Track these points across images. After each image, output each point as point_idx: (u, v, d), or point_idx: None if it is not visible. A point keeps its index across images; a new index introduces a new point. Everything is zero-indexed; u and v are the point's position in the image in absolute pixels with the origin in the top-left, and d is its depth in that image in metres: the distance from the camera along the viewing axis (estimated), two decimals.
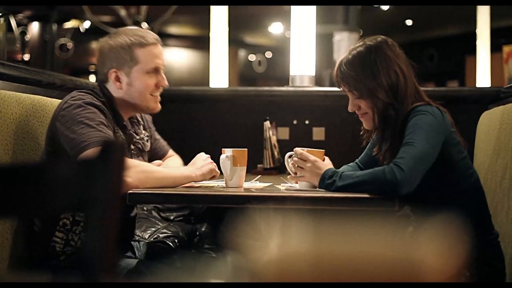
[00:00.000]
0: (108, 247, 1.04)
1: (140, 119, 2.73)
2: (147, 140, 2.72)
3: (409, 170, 2.12)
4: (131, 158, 2.55)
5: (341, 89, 2.40)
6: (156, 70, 2.50)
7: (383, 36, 2.39)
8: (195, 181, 2.36)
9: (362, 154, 2.70)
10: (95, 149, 2.20)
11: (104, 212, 1.05)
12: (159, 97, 2.55)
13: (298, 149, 2.29)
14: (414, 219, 2.41)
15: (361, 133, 2.52)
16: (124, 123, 2.53)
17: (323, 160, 2.30)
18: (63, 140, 2.28)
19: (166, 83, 2.54)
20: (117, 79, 2.49)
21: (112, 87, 2.50)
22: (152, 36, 2.52)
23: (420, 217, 2.37)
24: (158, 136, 2.89)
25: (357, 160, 2.70)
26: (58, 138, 2.31)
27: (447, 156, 2.29)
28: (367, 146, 2.66)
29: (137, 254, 2.61)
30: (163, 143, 2.91)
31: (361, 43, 2.37)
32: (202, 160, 2.39)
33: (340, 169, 2.43)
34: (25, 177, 1.18)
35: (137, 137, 2.63)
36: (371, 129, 2.45)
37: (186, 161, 2.60)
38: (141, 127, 2.71)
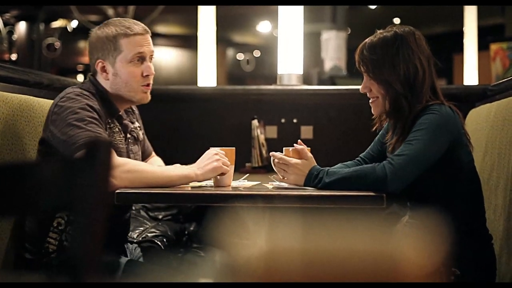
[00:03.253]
0: (93, 247, 1.04)
1: (134, 108, 2.70)
2: (139, 130, 2.67)
3: (401, 168, 2.13)
4: (128, 147, 2.52)
5: (359, 69, 2.38)
6: (141, 59, 2.45)
7: (412, 27, 2.36)
8: (196, 181, 2.27)
9: (368, 149, 2.66)
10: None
11: (89, 212, 1.05)
12: (148, 87, 2.49)
13: (276, 154, 2.28)
14: (410, 214, 2.41)
15: (372, 117, 2.49)
16: (120, 113, 2.50)
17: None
18: (56, 143, 2.26)
19: (152, 71, 2.47)
20: (103, 69, 2.45)
21: (101, 79, 2.47)
22: (139, 26, 2.47)
23: (415, 214, 2.37)
24: (144, 136, 2.85)
25: (361, 155, 2.64)
26: (51, 141, 2.29)
27: (454, 157, 2.28)
28: (374, 140, 2.63)
29: (128, 255, 2.60)
30: (148, 143, 2.87)
31: (389, 29, 2.35)
32: (207, 159, 2.29)
33: (334, 167, 2.42)
34: (11, 177, 1.17)
35: (132, 126, 2.59)
36: (377, 115, 2.43)
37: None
38: (135, 117, 2.68)
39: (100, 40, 2.45)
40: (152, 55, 2.50)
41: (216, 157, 2.28)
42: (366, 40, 2.36)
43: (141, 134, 2.66)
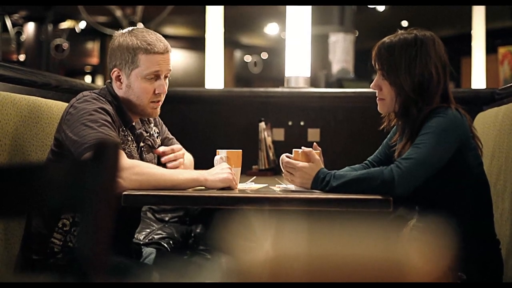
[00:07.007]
0: (99, 248, 1.04)
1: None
2: (157, 137, 2.66)
3: (408, 172, 2.12)
4: (142, 155, 2.51)
5: (374, 66, 2.37)
6: (156, 76, 2.44)
7: (432, 33, 2.35)
8: (204, 186, 2.26)
9: (376, 153, 2.63)
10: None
11: (95, 213, 1.05)
12: (158, 104, 2.48)
13: (284, 158, 2.28)
14: (417, 218, 2.40)
15: (381, 116, 2.48)
16: (133, 124, 2.50)
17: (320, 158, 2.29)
18: (68, 142, 2.26)
19: (164, 89, 2.46)
20: (118, 78, 2.44)
21: (115, 87, 2.47)
22: (161, 45, 2.44)
23: (422, 217, 2.36)
24: (171, 136, 2.82)
25: (369, 158, 2.62)
26: (64, 141, 2.29)
27: (462, 160, 2.26)
28: (382, 144, 2.62)
29: (134, 257, 2.60)
30: (176, 142, 2.85)
31: (410, 31, 2.33)
32: (220, 169, 2.30)
33: (341, 170, 2.41)
34: (18, 177, 1.17)
35: (146, 134, 2.59)
36: (385, 114, 2.42)
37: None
38: (152, 124, 2.67)
39: (119, 49, 2.44)
40: (168, 73, 2.50)
41: (229, 171, 2.29)
42: (385, 38, 2.34)
43: (158, 141, 2.65)
